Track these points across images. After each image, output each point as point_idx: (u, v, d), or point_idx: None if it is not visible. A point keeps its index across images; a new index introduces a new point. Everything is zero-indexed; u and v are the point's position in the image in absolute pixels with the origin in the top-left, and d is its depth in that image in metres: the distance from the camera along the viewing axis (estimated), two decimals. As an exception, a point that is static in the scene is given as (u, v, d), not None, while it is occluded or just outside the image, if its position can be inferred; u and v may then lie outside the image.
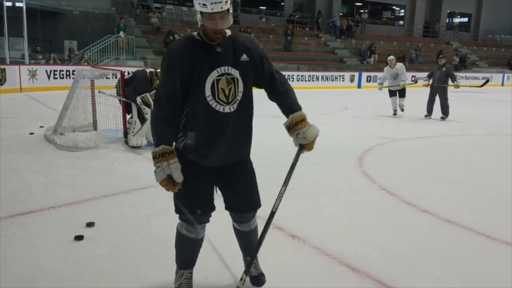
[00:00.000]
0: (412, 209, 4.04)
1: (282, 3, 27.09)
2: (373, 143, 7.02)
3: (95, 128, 6.80)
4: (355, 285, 2.67)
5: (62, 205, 3.85)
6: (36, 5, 17.26)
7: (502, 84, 24.99)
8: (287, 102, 2.35)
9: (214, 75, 2.10)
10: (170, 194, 2.24)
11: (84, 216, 3.56)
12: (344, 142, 7.08)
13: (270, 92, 2.36)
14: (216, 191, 2.34)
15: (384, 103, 11.38)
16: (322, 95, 14.93)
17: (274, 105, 2.43)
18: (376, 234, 3.41)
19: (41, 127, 7.23)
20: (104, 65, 15.13)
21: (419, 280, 2.74)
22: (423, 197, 4.32)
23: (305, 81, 19.47)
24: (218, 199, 2.38)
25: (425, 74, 11.28)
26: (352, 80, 20.85)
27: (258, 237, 2.36)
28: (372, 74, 21.01)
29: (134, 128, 6.02)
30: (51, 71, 14.32)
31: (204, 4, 1.98)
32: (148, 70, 6.23)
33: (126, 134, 6.21)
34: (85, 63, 15.66)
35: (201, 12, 2.01)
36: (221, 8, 1.99)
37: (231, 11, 2.08)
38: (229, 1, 2.03)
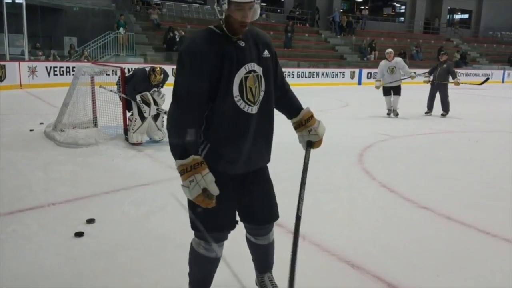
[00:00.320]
0: (412, 206, 4.04)
1: (282, 0, 27.04)
2: (373, 140, 7.02)
3: (95, 125, 6.79)
4: (355, 281, 2.67)
5: (62, 201, 3.85)
6: (35, 1, 17.25)
7: (503, 81, 24.98)
8: (293, 100, 2.28)
9: (242, 72, 1.93)
10: (169, 191, 2.24)
11: (84, 212, 3.56)
12: (344, 138, 7.08)
13: (277, 90, 2.18)
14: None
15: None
16: (322, 92, 14.92)
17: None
18: (376, 230, 3.41)
19: (41, 123, 7.23)
20: (104, 62, 15.12)
21: (419, 277, 2.75)
22: (423, 194, 4.32)
23: (305, 77, 19.45)
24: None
25: (425, 71, 11.27)
26: (352, 77, 20.83)
27: (291, 248, 1.96)
28: (372, 70, 20.96)
29: (134, 125, 6.03)
30: (51, 67, 14.31)
31: None
32: (148, 69, 6.22)
33: (126, 131, 6.21)
34: (85, 60, 15.65)
35: (229, 1, 1.82)
36: None
37: (259, 2, 1.91)
38: None
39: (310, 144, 2.24)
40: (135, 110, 6.07)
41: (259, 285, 2.40)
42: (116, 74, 6.45)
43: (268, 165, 2.26)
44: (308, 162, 2.19)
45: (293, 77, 19.02)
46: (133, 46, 18.23)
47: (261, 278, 2.43)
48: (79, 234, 3.16)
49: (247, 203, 2.16)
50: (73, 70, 12.14)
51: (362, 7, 29.85)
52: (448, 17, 33.38)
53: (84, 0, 19.32)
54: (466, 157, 6.12)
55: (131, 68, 9.85)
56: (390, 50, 9.99)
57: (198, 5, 22.87)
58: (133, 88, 6.05)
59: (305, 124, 2.22)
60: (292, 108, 2.27)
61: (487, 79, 12.26)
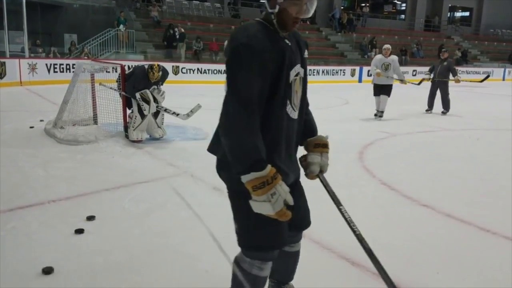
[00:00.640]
0: (413, 203, 4.04)
1: (283, -3, 26.98)
2: (373, 138, 7.02)
3: (95, 122, 6.79)
4: (355, 279, 2.68)
5: (62, 198, 3.85)
6: (36, -2, 17.22)
7: (503, 79, 24.94)
8: (312, 118, 2.10)
9: (292, 74, 1.78)
10: (171, 188, 2.23)
11: (84, 210, 3.56)
12: (344, 136, 7.07)
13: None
14: None
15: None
16: (322, 90, 14.90)
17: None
18: (376, 228, 3.41)
19: (41, 121, 7.22)
20: (104, 59, 15.10)
21: (419, 274, 2.75)
22: (423, 192, 4.32)
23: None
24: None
25: (426, 69, 11.25)
26: (353, 75, 20.80)
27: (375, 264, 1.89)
28: (373, 68, 20.96)
29: (134, 123, 6.02)
30: (51, 64, 14.29)
31: None
32: (147, 66, 6.22)
33: (126, 128, 6.20)
34: (85, 57, 15.63)
35: None
36: None
37: None
38: None
39: (321, 171, 2.06)
40: (135, 107, 6.06)
41: None
42: (116, 72, 6.45)
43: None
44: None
45: (293, 75, 18.99)
46: (133, 44, 18.20)
47: None
48: (79, 231, 3.16)
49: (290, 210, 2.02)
50: (73, 67, 12.09)
51: (363, 5, 29.80)
52: (449, 15, 33.32)
53: (84, -3, 19.34)
54: (466, 155, 6.12)
55: (131, 66, 9.85)
56: (388, 46, 9.44)
57: (198, 2, 22.83)
58: (133, 86, 6.04)
59: (322, 147, 2.03)
60: (311, 125, 2.07)
61: (488, 76, 12.25)
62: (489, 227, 3.46)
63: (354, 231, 1.90)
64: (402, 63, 22.65)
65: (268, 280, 2.17)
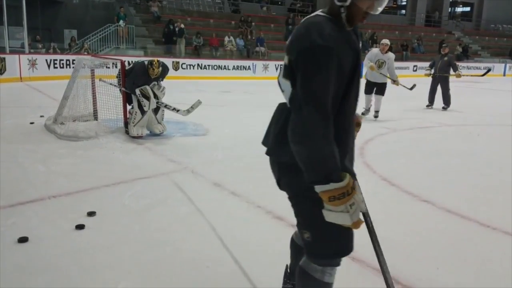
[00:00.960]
0: (413, 199, 4.04)
1: (284, -8, 26.95)
2: (374, 133, 7.01)
3: (96, 118, 6.78)
4: (355, 274, 2.68)
5: (62, 194, 3.85)
6: (35, -7, 17.17)
7: (504, 74, 24.88)
8: None
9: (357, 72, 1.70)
10: (171, 183, 2.23)
11: (84, 205, 3.56)
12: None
13: None
14: None
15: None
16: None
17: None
18: (377, 224, 3.38)
19: (41, 116, 7.22)
20: (104, 55, 15.08)
21: (419, 270, 2.75)
22: (424, 187, 4.32)
23: (306, 70, 19.39)
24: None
25: (427, 64, 11.22)
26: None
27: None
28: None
29: (134, 119, 6.02)
30: (51, 60, 14.26)
31: None
32: (147, 62, 6.20)
33: (126, 124, 6.20)
34: (85, 53, 15.60)
35: None
36: None
37: None
38: None
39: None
40: (135, 103, 6.06)
41: None
42: (116, 67, 6.43)
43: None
44: None
45: (293, 70, 18.96)
46: (133, 39, 18.17)
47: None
48: (80, 227, 3.16)
49: None
50: (73, 63, 12.09)
51: None
52: (449, 10, 33.21)
53: (84, -7, 19.28)
54: (467, 151, 6.11)
55: (131, 61, 9.84)
56: (386, 41, 8.69)
57: (198, -3, 22.78)
58: (132, 82, 6.03)
59: (358, 125, 2.00)
60: None
61: (489, 70, 12.22)
62: (489, 222, 3.46)
63: (367, 224, 1.83)
64: (403, 58, 22.63)
65: (287, 280, 2.20)
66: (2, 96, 9.70)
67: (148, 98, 5.99)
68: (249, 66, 18.02)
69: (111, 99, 6.51)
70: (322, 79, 1.53)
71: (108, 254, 2.82)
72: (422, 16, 30.72)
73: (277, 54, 20.10)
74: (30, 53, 14.60)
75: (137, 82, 6.00)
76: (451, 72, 10.09)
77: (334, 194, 1.54)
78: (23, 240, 2.93)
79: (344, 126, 1.66)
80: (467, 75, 11.63)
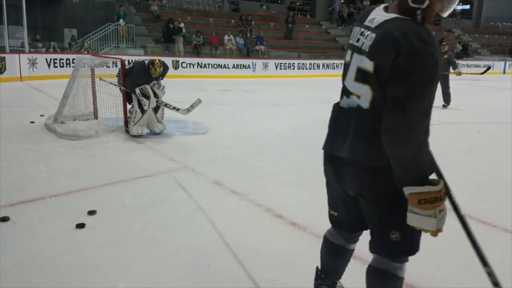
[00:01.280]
0: (413, 197, 4.03)
1: (283, -9, 26.91)
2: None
3: (96, 117, 6.79)
4: (356, 271, 2.67)
5: (63, 193, 3.86)
6: (35, -8, 17.15)
7: (504, 72, 24.87)
8: None
9: None
10: (171, 182, 2.23)
11: (85, 204, 3.57)
12: None
13: None
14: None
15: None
16: (323, 84, 14.86)
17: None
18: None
19: (41, 115, 7.22)
20: (104, 54, 15.07)
21: (419, 267, 2.75)
22: (423, 185, 4.31)
23: (306, 69, 19.39)
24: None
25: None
26: (353, 68, 20.72)
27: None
28: (373, 62, 20.89)
29: (135, 118, 6.02)
30: (51, 59, 14.25)
31: None
32: (147, 61, 6.20)
33: (126, 123, 6.20)
34: (85, 52, 15.59)
35: None
36: None
37: None
38: None
39: None
40: (135, 102, 6.06)
41: None
42: (116, 66, 6.44)
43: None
44: None
45: (293, 69, 18.97)
46: (133, 38, 18.14)
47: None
48: (81, 226, 3.17)
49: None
50: (73, 62, 12.07)
51: (363, -2, 29.68)
52: (449, 8, 33.15)
53: (83, -8, 19.27)
54: (467, 148, 6.11)
55: (131, 60, 9.84)
56: None
57: (198, -4, 22.77)
58: (132, 81, 6.04)
59: None
60: None
61: (489, 68, 12.23)
62: (490, 220, 3.47)
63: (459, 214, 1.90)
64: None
65: (318, 275, 2.20)
66: (2, 96, 9.70)
67: (148, 97, 6.00)
68: (249, 65, 18.02)
69: (111, 98, 6.51)
70: (428, 85, 1.56)
71: (108, 253, 2.83)
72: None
73: (277, 52, 20.10)
74: (30, 52, 14.58)
75: (137, 81, 6.01)
76: (451, 70, 10.09)
77: (426, 197, 1.58)
78: (24, 239, 2.93)
79: (428, 128, 1.66)
80: (467, 73, 11.62)
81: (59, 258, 2.73)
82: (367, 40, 1.66)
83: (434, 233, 1.64)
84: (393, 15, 1.65)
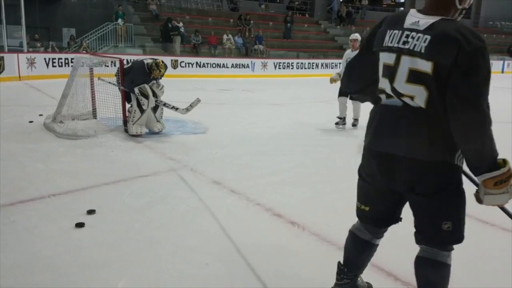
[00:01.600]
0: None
1: (282, -10, 26.91)
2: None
3: (95, 116, 6.79)
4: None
5: (62, 192, 3.86)
6: (33, -8, 17.12)
7: (502, 71, 24.90)
8: None
9: None
10: (170, 181, 2.23)
11: (84, 204, 3.57)
12: (344, 129, 7.07)
13: None
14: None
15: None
16: (322, 83, 14.86)
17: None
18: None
19: (40, 115, 7.22)
20: (103, 53, 15.06)
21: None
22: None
23: (305, 68, 19.40)
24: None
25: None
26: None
27: None
28: (372, 61, 20.90)
29: (133, 117, 6.02)
30: (49, 59, 14.22)
31: None
32: (146, 61, 6.20)
33: (125, 122, 6.21)
34: (84, 51, 15.58)
35: None
36: None
37: None
38: None
39: None
40: (134, 101, 6.06)
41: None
42: (115, 66, 6.44)
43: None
44: None
45: (292, 68, 18.98)
46: (131, 37, 18.12)
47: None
48: (80, 225, 3.17)
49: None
50: (72, 62, 12.05)
51: (362, -3, 29.70)
52: (448, 7, 33.17)
53: (82, -9, 19.24)
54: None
55: (130, 60, 9.82)
56: (354, 36, 7.26)
57: (196, -5, 22.76)
58: (131, 80, 6.04)
59: None
60: None
61: None
62: (488, 219, 3.47)
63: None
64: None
65: (341, 270, 2.24)
66: (1, 95, 9.68)
67: (147, 97, 6.00)
68: (247, 64, 18.02)
69: (110, 97, 6.51)
70: (488, 77, 1.71)
71: (108, 252, 2.83)
72: (420, 13, 30.72)
73: (276, 52, 20.10)
74: (28, 51, 14.57)
75: (136, 81, 6.01)
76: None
77: (502, 178, 1.76)
78: (23, 238, 2.94)
79: None
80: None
81: (59, 257, 2.74)
82: (419, 42, 1.75)
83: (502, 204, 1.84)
84: (438, 17, 1.76)
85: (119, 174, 4.44)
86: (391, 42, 1.84)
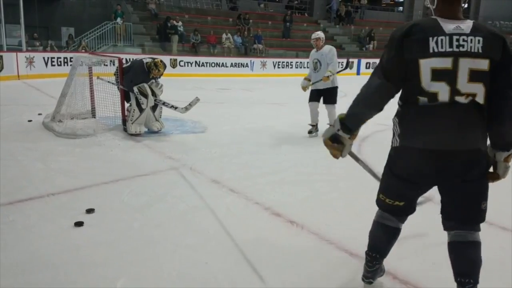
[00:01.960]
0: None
1: (281, -11, 26.89)
2: (371, 130, 7.01)
3: (94, 115, 6.79)
4: (353, 269, 2.69)
5: (61, 192, 3.86)
6: (32, -9, 17.10)
7: (501, 71, 24.92)
8: None
9: None
10: (170, 180, 2.24)
11: (83, 203, 3.57)
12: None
13: None
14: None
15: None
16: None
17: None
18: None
19: (39, 114, 7.21)
20: (102, 52, 15.04)
21: (415, 265, 2.77)
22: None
23: (304, 68, 19.34)
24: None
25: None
26: (351, 67, 20.76)
27: None
28: (371, 60, 20.92)
29: (133, 116, 6.02)
30: (48, 58, 14.22)
31: None
32: (146, 60, 6.19)
33: (124, 121, 6.20)
34: (83, 50, 15.56)
35: None
36: None
37: None
38: None
39: None
40: (133, 101, 6.06)
41: None
42: (114, 65, 6.44)
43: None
44: None
45: (291, 68, 18.99)
46: (130, 37, 18.11)
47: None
48: (79, 224, 3.17)
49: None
50: (70, 61, 12.04)
51: (361, -4, 29.68)
52: (447, 7, 33.15)
53: (81, -10, 19.20)
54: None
55: (129, 59, 9.82)
56: (316, 34, 6.53)
57: (195, -6, 22.73)
58: (130, 80, 6.03)
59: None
60: None
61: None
62: (488, 218, 3.46)
63: None
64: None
65: (373, 258, 2.37)
66: (0, 94, 9.67)
67: (146, 96, 6.00)
68: (247, 64, 18.02)
69: (109, 96, 6.51)
70: None
71: (107, 251, 2.83)
72: (419, 12, 30.69)
73: (275, 51, 20.10)
74: (27, 51, 14.55)
75: (135, 80, 6.01)
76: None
77: None
78: (22, 237, 2.94)
79: None
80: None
81: (58, 256, 2.74)
82: (474, 43, 1.93)
83: None
84: (468, 21, 1.99)
85: (118, 173, 4.44)
86: (441, 48, 1.94)
